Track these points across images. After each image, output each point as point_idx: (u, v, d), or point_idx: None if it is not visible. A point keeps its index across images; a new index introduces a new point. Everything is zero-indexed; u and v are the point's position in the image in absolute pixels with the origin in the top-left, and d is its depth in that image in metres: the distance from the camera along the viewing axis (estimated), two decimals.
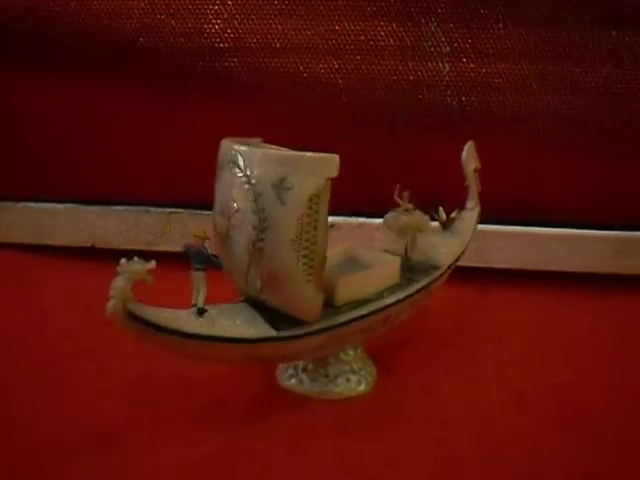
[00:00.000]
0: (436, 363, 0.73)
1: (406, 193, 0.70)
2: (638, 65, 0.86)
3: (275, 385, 0.67)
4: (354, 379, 0.66)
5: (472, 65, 0.87)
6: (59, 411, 0.63)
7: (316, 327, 0.60)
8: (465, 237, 0.76)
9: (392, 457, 0.58)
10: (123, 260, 0.54)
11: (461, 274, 0.90)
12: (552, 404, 0.65)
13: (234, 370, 0.69)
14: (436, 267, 0.71)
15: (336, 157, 0.57)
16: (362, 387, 0.66)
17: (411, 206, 0.70)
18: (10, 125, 0.95)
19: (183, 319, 0.57)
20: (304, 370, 0.66)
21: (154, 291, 0.86)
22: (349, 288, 0.63)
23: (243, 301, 0.62)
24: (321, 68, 0.87)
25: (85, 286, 0.89)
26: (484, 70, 0.87)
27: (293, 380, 0.66)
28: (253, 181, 0.56)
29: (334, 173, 0.57)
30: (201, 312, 0.57)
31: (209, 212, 0.94)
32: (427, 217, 0.71)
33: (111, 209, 0.96)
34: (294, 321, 0.59)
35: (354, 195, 0.88)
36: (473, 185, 0.76)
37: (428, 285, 0.69)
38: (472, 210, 0.77)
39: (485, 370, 0.72)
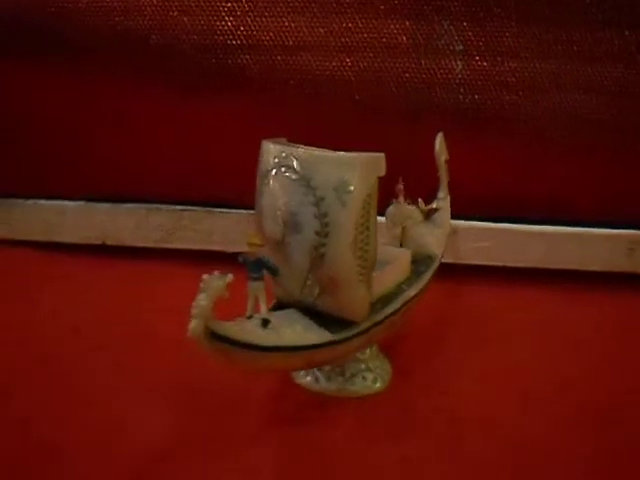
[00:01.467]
0: (447, 360, 0.73)
1: (400, 186, 0.71)
2: None
3: (290, 383, 0.67)
4: (370, 377, 0.66)
5: (485, 63, 0.86)
6: (67, 407, 0.63)
7: (364, 326, 0.61)
8: (445, 226, 0.78)
9: (410, 456, 0.58)
10: (206, 276, 0.52)
11: (469, 272, 0.90)
12: (563, 404, 0.65)
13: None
14: (430, 257, 0.73)
15: (383, 156, 0.58)
16: (378, 385, 0.66)
17: (401, 199, 0.72)
18: (20, 122, 0.95)
19: (255, 332, 0.56)
20: (320, 369, 0.66)
21: (167, 290, 0.88)
22: (379, 284, 0.63)
23: (288, 307, 0.62)
24: (334, 66, 0.86)
25: (96, 284, 0.89)
26: (497, 69, 0.86)
27: (309, 378, 0.66)
28: (313, 185, 0.55)
29: (383, 172, 0.58)
30: (265, 323, 0.57)
31: (222, 210, 0.96)
32: (414, 208, 0.73)
33: (121, 206, 0.96)
34: (341, 323, 0.60)
35: None
36: (444, 176, 0.79)
37: (433, 275, 0.71)
38: (444, 200, 0.79)
39: (496, 368, 0.72)
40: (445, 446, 0.59)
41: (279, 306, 0.62)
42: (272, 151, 0.58)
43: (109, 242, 0.96)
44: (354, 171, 0.55)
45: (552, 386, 0.67)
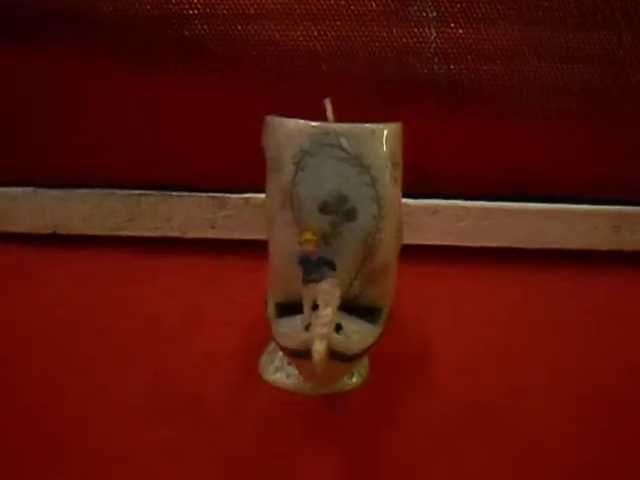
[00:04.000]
0: (429, 349, 0.69)
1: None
2: (636, 31, 0.81)
3: (257, 380, 0.61)
4: None
5: (461, 31, 0.80)
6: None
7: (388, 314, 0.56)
8: None
9: (394, 458, 0.53)
10: (324, 284, 0.44)
11: (449, 255, 0.85)
12: (555, 391, 0.62)
13: (210, 363, 0.64)
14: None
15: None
16: (355, 380, 0.60)
17: None
18: None
19: (345, 343, 0.49)
20: (291, 363, 0.60)
21: (126, 281, 0.82)
22: None
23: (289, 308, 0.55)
24: (299, 35, 0.80)
25: (46, 277, 0.83)
26: (474, 36, 0.81)
27: (279, 374, 0.60)
28: (367, 163, 0.49)
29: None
30: (339, 329, 0.50)
31: (181, 193, 0.90)
32: None
33: (74, 192, 0.89)
34: (368, 313, 0.54)
35: None
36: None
37: None
38: None
39: (482, 356, 0.67)
40: (431, 444, 0.55)
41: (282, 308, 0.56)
42: (306, 130, 0.51)
43: (60, 231, 0.89)
44: (399, 143, 0.51)
45: (543, 373, 0.64)
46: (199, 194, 0.86)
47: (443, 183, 0.82)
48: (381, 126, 0.52)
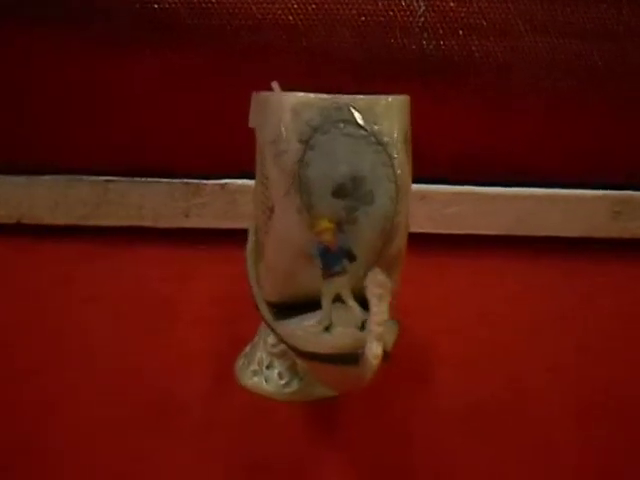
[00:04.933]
0: (421, 346, 0.64)
1: None
2: (637, 6, 0.76)
3: (232, 385, 0.57)
4: None
5: (451, 4, 0.75)
6: None
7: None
8: None
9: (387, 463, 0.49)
10: (377, 275, 0.37)
11: (438, 243, 0.81)
12: (555, 385, 0.59)
13: (182, 366, 0.59)
14: None
15: None
16: None
17: None
18: None
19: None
20: (270, 367, 0.55)
21: (93, 274, 0.77)
22: None
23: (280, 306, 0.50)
24: (277, 8, 0.75)
25: (9, 267, 0.78)
26: (464, 9, 0.75)
27: (256, 379, 0.55)
28: (384, 140, 0.44)
29: None
30: (363, 326, 0.44)
31: (152, 179, 0.85)
32: None
33: (38, 179, 0.83)
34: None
35: None
36: None
37: None
38: None
39: (477, 351, 0.63)
40: (429, 452, 0.50)
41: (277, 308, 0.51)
42: (316, 103, 0.45)
43: (24, 221, 0.84)
44: (408, 115, 0.47)
45: (542, 369, 0.61)
46: (172, 180, 0.81)
47: (431, 167, 0.77)
48: (396, 98, 0.47)
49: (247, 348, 0.58)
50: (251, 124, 0.49)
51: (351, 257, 0.44)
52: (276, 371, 0.55)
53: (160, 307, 0.69)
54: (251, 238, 0.58)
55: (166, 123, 0.78)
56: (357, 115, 0.45)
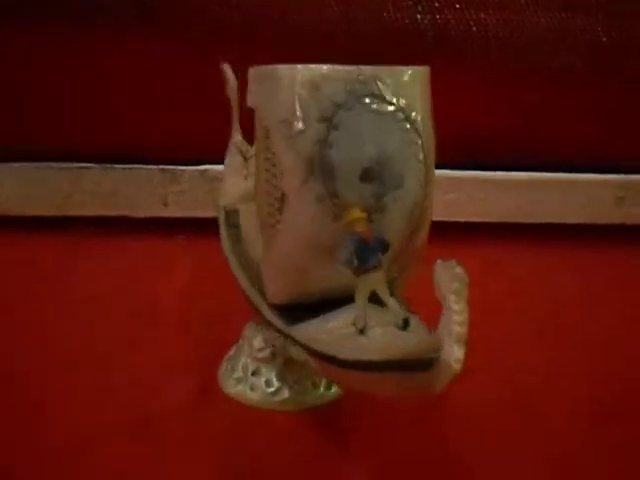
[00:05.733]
0: None
1: None
2: None
3: (215, 394, 0.52)
4: (323, 382, 0.50)
5: None
6: None
7: None
8: None
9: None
10: (455, 267, 0.33)
11: (435, 231, 0.77)
12: (555, 370, 0.57)
13: (162, 370, 0.55)
14: None
15: None
16: (333, 391, 0.51)
17: None
18: None
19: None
20: (255, 373, 0.50)
21: (66, 268, 0.72)
22: None
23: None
24: None
25: None
26: None
27: (241, 387, 0.50)
28: (413, 116, 0.40)
29: None
30: (406, 324, 0.40)
31: (127, 166, 0.79)
32: None
33: (5, 167, 0.78)
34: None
35: None
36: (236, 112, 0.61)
37: None
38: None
39: (476, 345, 0.58)
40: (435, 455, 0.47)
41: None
42: (340, 76, 0.40)
43: None
44: (429, 87, 0.43)
45: (543, 363, 0.58)
46: (148, 167, 0.76)
47: None
48: (420, 69, 0.42)
49: (231, 351, 0.53)
50: (250, 103, 0.43)
51: (385, 249, 0.39)
52: (263, 378, 0.50)
53: (138, 304, 0.65)
54: (224, 233, 0.53)
55: (142, 106, 0.74)
56: (383, 88, 0.39)
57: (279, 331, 0.44)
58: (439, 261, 0.32)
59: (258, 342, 0.50)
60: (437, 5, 0.70)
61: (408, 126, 0.40)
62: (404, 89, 0.40)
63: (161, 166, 0.76)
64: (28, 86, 0.75)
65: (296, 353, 0.45)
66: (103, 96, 0.74)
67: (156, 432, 0.48)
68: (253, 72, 0.43)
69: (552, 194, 0.78)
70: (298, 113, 0.39)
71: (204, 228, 0.72)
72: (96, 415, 0.49)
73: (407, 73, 0.41)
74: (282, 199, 0.40)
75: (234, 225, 0.55)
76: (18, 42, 0.73)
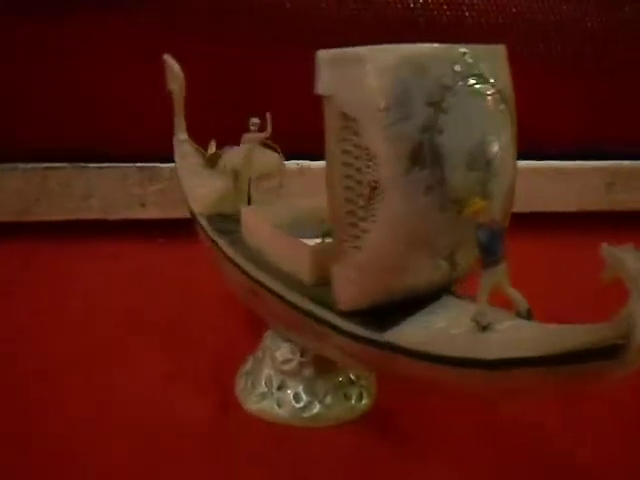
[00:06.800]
0: None
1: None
2: None
3: (236, 410, 0.47)
4: (354, 393, 0.47)
5: None
6: None
7: None
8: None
9: None
10: (631, 256, 0.30)
11: None
12: None
13: (165, 390, 0.50)
14: None
15: None
16: (365, 402, 0.47)
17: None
18: None
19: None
20: (281, 388, 0.46)
21: (36, 278, 0.66)
22: None
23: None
24: None
25: None
26: None
27: (266, 402, 0.46)
28: (507, 96, 0.38)
29: None
30: (530, 315, 0.37)
31: (100, 165, 0.73)
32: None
33: None
34: None
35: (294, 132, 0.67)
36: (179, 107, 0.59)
37: None
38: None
39: None
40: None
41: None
42: (446, 56, 0.37)
43: None
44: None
45: None
46: (123, 164, 0.72)
47: None
48: (503, 47, 0.40)
49: (247, 365, 0.49)
50: (322, 91, 0.38)
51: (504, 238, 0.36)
52: (290, 393, 0.46)
53: (123, 316, 0.59)
54: (220, 240, 0.49)
55: (116, 99, 0.68)
56: (484, 68, 0.36)
57: (360, 339, 0.39)
58: (605, 245, 0.30)
59: (283, 353, 0.46)
60: None
61: (504, 108, 0.37)
62: (499, 69, 0.38)
63: (138, 164, 0.71)
64: None
65: (340, 358, 0.42)
66: (72, 89, 0.69)
67: (176, 452, 0.43)
68: (327, 56, 0.37)
69: (544, 182, 0.76)
70: (400, 98, 0.35)
71: (187, 229, 0.67)
72: (104, 434, 0.45)
73: (499, 50, 0.39)
74: (372, 194, 0.36)
75: (224, 230, 0.51)
76: None
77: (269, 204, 0.52)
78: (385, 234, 0.36)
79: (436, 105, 0.35)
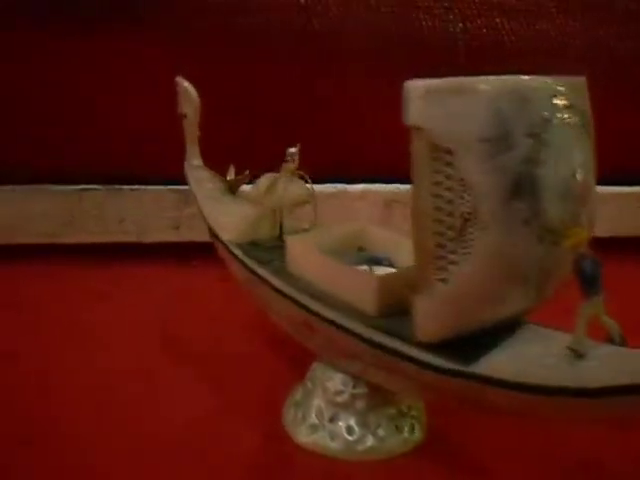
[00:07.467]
0: None
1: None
2: None
3: (288, 442, 0.46)
4: (406, 424, 0.46)
5: None
6: None
7: None
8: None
9: None
10: None
11: None
12: None
13: (219, 424, 0.48)
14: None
15: None
16: (417, 434, 0.46)
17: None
18: None
19: None
20: (333, 420, 0.45)
21: (68, 301, 0.65)
22: None
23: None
24: None
25: None
26: None
27: (319, 435, 0.45)
28: (591, 129, 0.38)
29: None
30: (624, 342, 0.37)
31: (134, 187, 0.73)
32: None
33: None
34: None
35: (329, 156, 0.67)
36: (192, 133, 0.58)
37: None
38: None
39: None
40: None
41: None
42: (544, 87, 0.37)
43: None
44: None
45: None
46: (158, 187, 0.71)
47: None
48: (582, 79, 0.39)
49: (296, 395, 0.48)
50: (414, 122, 0.37)
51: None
52: (343, 425, 0.45)
53: (156, 346, 0.58)
54: (261, 271, 0.48)
55: (151, 122, 0.68)
56: (573, 100, 0.36)
57: (448, 372, 0.38)
58: None
59: (335, 385, 0.45)
60: (468, 13, 0.67)
61: (590, 140, 0.37)
62: (584, 101, 0.38)
63: (172, 186, 0.71)
64: (20, 101, 0.69)
65: (410, 388, 0.42)
66: (108, 112, 0.69)
67: None
68: (420, 86, 0.37)
69: None
70: (503, 129, 0.35)
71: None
72: (151, 466, 0.44)
73: (581, 82, 0.38)
74: (463, 226, 0.36)
75: (262, 260, 0.49)
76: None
77: (304, 232, 0.51)
78: (481, 266, 0.36)
79: (536, 137, 0.35)
